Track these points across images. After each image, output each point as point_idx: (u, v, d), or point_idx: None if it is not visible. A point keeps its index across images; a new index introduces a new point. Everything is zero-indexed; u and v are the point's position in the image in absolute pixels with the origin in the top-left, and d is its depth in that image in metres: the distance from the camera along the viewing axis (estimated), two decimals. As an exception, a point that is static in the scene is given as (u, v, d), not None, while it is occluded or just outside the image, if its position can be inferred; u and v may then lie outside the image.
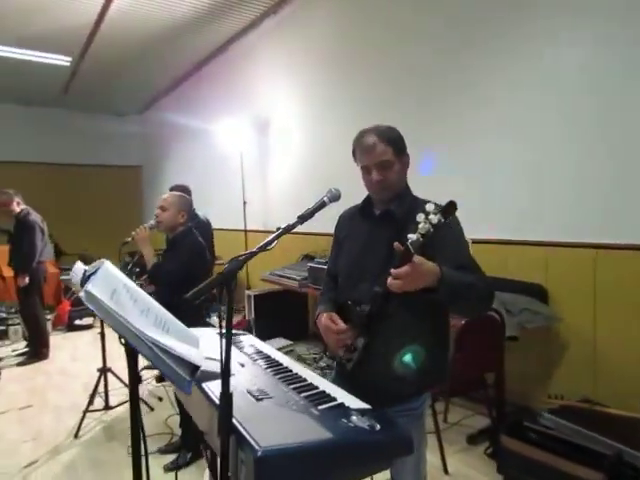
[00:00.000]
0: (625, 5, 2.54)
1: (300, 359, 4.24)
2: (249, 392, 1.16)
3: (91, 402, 3.26)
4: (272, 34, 5.46)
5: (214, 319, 3.87)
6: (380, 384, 1.43)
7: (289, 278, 4.31)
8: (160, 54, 6.53)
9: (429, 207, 1.14)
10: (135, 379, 1.22)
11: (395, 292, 1.21)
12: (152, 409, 3.37)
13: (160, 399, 3.50)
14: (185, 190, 3.67)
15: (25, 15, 5.20)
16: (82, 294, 0.91)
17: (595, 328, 2.74)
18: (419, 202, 1.50)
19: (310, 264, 4.08)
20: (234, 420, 0.98)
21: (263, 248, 1.14)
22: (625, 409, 2.43)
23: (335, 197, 1.47)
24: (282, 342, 4.49)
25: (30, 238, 4.56)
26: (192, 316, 2.47)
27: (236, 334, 1.89)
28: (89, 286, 0.93)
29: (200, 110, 7.29)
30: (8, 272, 5.28)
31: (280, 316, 4.70)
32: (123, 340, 1.13)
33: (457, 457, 2.66)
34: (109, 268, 1.11)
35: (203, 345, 1.28)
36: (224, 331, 0.94)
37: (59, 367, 4.52)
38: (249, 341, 1.77)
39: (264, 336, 4.44)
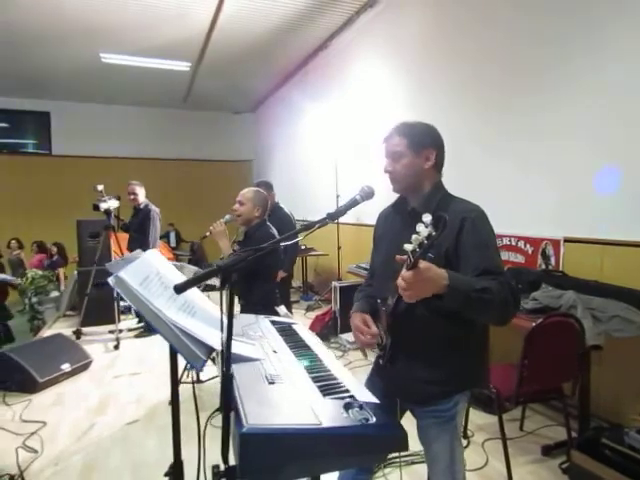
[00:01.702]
0: None
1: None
2: (265, 376, 1.26)
3: (186, 374, 3.62)
4: (367, 29, 5.48)
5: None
6: (405, 383, 1.45)
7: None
8: (266, 54, 6.91)
9: (426, 218, 1.12)
10: (175, 360, 1.38)
11: (405, 300, 1.22)
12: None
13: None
14: (267, 185, 3.91)
15: (145, 28, 5.85)
16: (112, 280, 1.08)
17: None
18: (451, 201, 1.48)
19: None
20: (239, 398, 1.08)
21: (276, 244, 1.22)
22: None
23: (368, 195, 1.50)
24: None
25: (155, 227, 5.20)
26: (263, 305, 2.69)
27: (289, 323, 2.02)
28: (121, 272, 1.10)
29: (302, 106, 7.57)
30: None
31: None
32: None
33: (528, 468, 2.52)
34: (149, 257, 1.28)
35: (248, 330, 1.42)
36: (225, 321, 1.05)
37: (161, 345, 5.05)
38: (298, 330, 1.88)
39: (347, 327, 4.54)
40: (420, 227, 1.12)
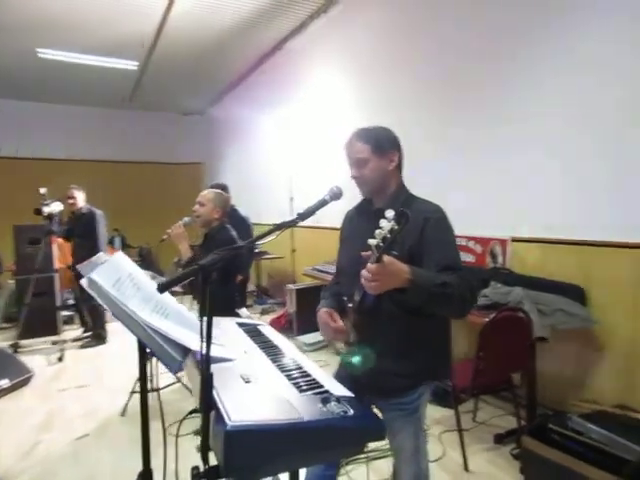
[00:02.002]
0: None
1: (338, 353, 4.33)
2: (241, 375, 1.26)
3: (137, 384, 3.52)
4: (322, 31, 5.55)
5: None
6: (372, 378, 1.49)
7: (329, 273, 4.40)
8: (219, 54, 6.80)
9: (388, 214, 1.17)
10: (144, 364, 1.35)
11: (370, 292, 1.26)
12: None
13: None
14: (223, 188, 3.87)
15: (93, 25, 5.63)
16: (84, 282, 1.05)
17: (635, 333, 2.62)
18: (414, 201, 1.54)
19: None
20: (217, 398, 1.08)
21: (251, 243, 1.23)
22: (664, 418, 2.32)
23: (336, 195, 1.54)
24: (320, 336, 4.57)
25: (101, 230, 4.99)
26: (224, 307, 2.66)
27: (255, 324, 2.02)
28: (93, 274, 1.07)
29: (256, 107, 7.54)
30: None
31: (320, 310, 4.79)
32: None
33: (482, 456, 2.65)
34: (118, 260, 1.25)
35: (219, 332, 1.40)
36: (205, 318, 1.04)
37: (116, 352, 4.87)
38: (262, 330, 1.89)
39: (303, 330, 4.59)
40: (383, 222, 1.17)
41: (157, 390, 3.58)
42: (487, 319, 2.45)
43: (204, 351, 1.04)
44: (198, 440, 2.77)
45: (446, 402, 2.93)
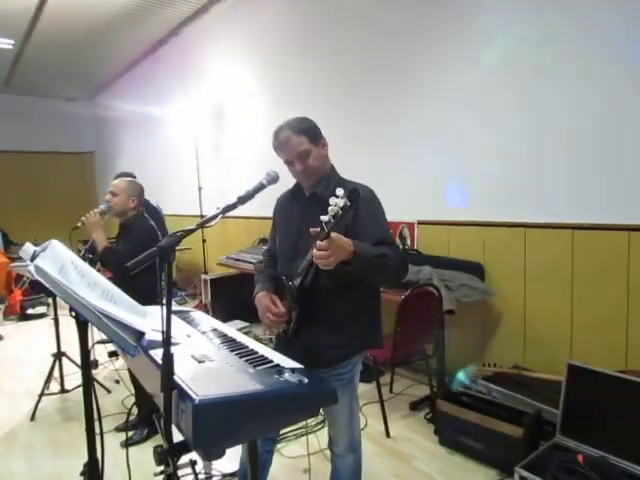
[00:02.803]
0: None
1: (257, 340, 4.35)
2: (193, 357, 1.28)
3: (47, 386, 3.27)
4: (225, 17, 5.45)
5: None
6: (313, 350, 1.58)
7: (245, 261, 4.41)
8: (110, 37, 6.39)
9: (339, 192, 1.26)
10: (86, 350, 1.31)
11: (321, 267, 1.34)
12: (109, 391, 3.43)
13: (117, 382, 3.55)
14: (130, 177, 3.69)
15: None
16: (31, 268, 1.00)
17: (525, 301, 2.99)
18: (345, 183, 1.65)
19: (266, 247, 4.18)
20: (176, 378, 1.10)
21: (201, 225, 1.25)
22: (549, 373, 2.69)
23: (273, 179, 1.58)
24: (239, 324, 4.60)
25: None
26: (147, 298, 2.57)
27: (186, 311, 2.01)
28: (38, 261, 1.02)
29: (154, 95, 7.20)
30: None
31: (236, 299, 4.75)
32: (74, 313, 1.23)
33: (400, 423, 2.87)
34: (57, 246, 1.19)
35: (152, 319, 1.39)
36: (164, 300, 1.05)
37: (12, 355, 4.47)
38: (197, 316, 1.89)
39: (221, 319, 4.51)
40: (333, 200, 1.25)
41: (63, 392, 3.40)
42: (402, 296, 2.66)
43: (164, 333, 1.05)
44: (120, 437, 2.70)
45: (365, 377, 3.11)
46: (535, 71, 2.81)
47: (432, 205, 3.46)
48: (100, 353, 3.66)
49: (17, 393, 3.53)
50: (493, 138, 3.07)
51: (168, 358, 1.06)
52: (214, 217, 1.31)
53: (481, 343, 3.23)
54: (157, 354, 1.27)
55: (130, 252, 2.51)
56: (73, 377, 3.46)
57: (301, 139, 1.59)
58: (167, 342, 1.06)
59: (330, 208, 1.24)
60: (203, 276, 4.95)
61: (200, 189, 5.71)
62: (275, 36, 4.81)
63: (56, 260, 1.11)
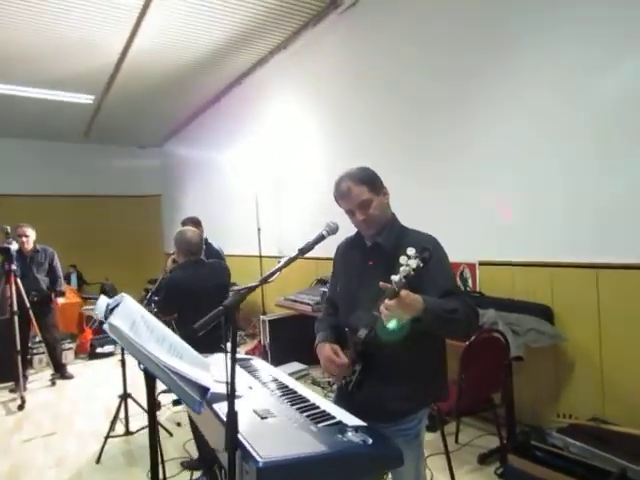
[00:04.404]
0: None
1: (315, 383, 4.32)
2: (255, 411, 1.28)
3: (112, 428, 3.37)
4: (284, 65, 5.71)
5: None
6: (377, 403, 1.53)
7: (302, 303, 4.43)
8: (178, 89, 6.85)
9: (410, 251, 1.25)
10: (153, 403, 1.34)
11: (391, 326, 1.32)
12: (171, 434, 3.47)
13: (178, 424, 3.61)
14: (196, 223, 3.89)
15: (48, 58, 5.55)
16: (106, 327, 1.05)
17: (601, 347, 2.78)
18: (407, 232, 1.63)
19: (323, 289, 4.19)
20: (240, 436, 1.09)
21: (264, 281, 1.27)
22: (633, 426, 2.46)
23: (333, 230, 1.59)
24: (296, 366, 4.57)
25: (58, 264, 5.14)
26: (209, 344, 2.65)
27: (246, 359, 2.02)
28: (112, 319, 1.07)
29: (216, 141, 7.60)
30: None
31: (294, 341, 4.77)
32: (142, 366, 1.27)
33: (468, 477, 2.70)
34: (128, 302, 1.25)
35: (214, 370, 1.41)
36: (229, 356, 1.07)
37: (82, 394, 4.66)
38: (258, 365, 1.90)
39: (279, 361, 4.55)
40: (403, 259, 1.23)
41: (131, 433, 3.49)
42: (467, 342, 2.55)
43: (228, 389, 1.06)
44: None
45: (429, 426, 2.97)
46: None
47: (494, 245, 3.34)
48: (163, 395, 3.80)
49: (85, 432, 3.66)
50: (558, 173, 2.95)
51: (233, 417, 1.06)
52: (275, 272, 1.33)
53: (554, 392, 3.01)
54: (221, 408, 1.28)
55: (161, 304, 2.83)
56: (137, 418, 3.55)
57: (362, 189, 1.61)
58: (231, 400, 1.07)
59: (402, 268, 1.24)
60: (262, 317, 5.01)
61: (259, 230, 5.86)
62: (332, 82, 4.96)
63: (127, 315, 1.16)
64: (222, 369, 1.67)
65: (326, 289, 4.14)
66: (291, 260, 1.45)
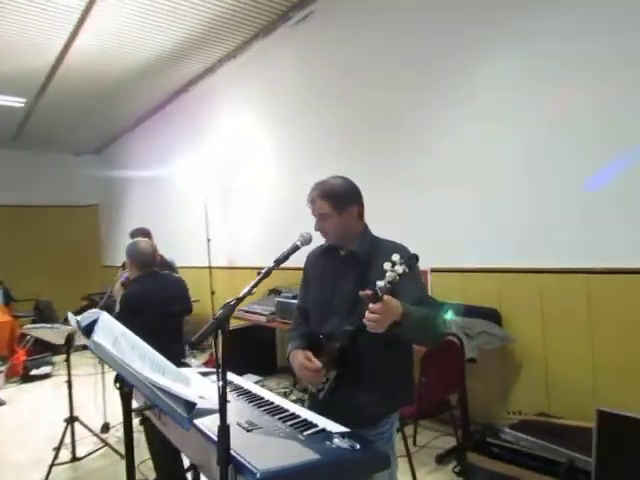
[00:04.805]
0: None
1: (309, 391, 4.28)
2: (239, 424, 1.26)
3: (57, 455, 3.16)
4: (233, 74, 5.68)
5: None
6: (351, 410, 1.56)
7: (256, 313, 4.39)
8: (120, 94, 6.62)
9: (395, 257, 1.30)
10: (130, 422, 1.29)
11: (371, 330, 1.35)
12: (122, 457, 3.31)
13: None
14: (146, 234, 3.77)
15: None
16: (90, 344, 1.01)
17: (545, 347, 2.98)
18: (380, 241, 1.69)
19: (277, 299, 4.18)
20: (231, 451, 1.08)
21: (248, 293, 1.27)
22: (577, 419, 2.65)
23: (307, 240, 1.62)
24: (252, 378, 4.51)
25: None
26: (169, 359, 2.58)
27: (213, 372, 1.99)
28: (95, 337, 1.03)
29: (161, 150, 7.38)
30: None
31: (249, 352, 4.72)
32: (118, 384, 1.23)
33: (428, 478, 2.79)
34: (107, 318, 1.20)
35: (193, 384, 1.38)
36: (220, 370, 1.06)
37: (16, 421, 4.31)
38: (227, 377, 1.86)
39: (236, 372, 4.46)
40: (388, 265, 1.28)
41: (78, 459, 3.29)
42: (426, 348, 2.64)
43: (220, 403, 1.05)
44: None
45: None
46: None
47: (445, 252, 3.49)
48: (111, 415, 3.60)
49: (23, 463, 3.40)
50: (507, 185, 3.14)
51: (224, 432, 1.05)
52: (258, 282, 1.33)
53: (504, 391, 3.18)
54: (202, 423, 1.26)
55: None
56: (84, 442, 3.36)
57: (323, 204, 1.65)
58: (223, 414, 1.05)
59: (388, 274, 1.28)
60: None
61: (209, 241, 5.75)
62: (283, 94, 5.00)
63: (109, 333, 1.12)
64: (197, 383, 1.64)
65: (281, 299, 4.14)
66: (268, 272, 1.45)
